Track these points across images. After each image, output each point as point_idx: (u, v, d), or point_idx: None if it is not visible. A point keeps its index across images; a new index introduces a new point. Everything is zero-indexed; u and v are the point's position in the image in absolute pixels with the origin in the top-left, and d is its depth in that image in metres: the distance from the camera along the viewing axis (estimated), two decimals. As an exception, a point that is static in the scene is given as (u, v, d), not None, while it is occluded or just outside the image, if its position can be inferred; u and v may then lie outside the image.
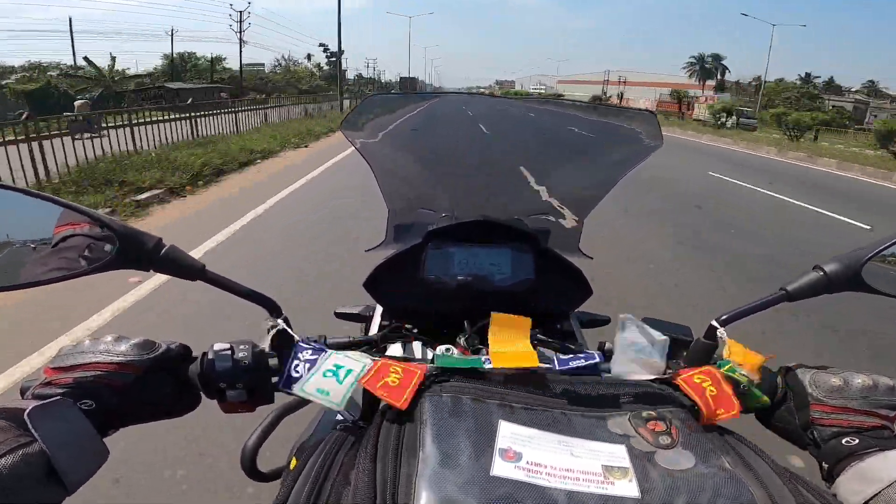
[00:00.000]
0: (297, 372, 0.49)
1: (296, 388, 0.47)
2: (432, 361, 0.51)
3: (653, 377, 0.49)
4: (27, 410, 0.37)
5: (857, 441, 0.43)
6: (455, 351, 0.60)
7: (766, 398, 0.48)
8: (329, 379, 0.47)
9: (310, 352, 0.50)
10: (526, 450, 0.38)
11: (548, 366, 0.51)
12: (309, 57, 50.02)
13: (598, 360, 0.52)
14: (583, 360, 0.52)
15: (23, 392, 0.45)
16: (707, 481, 0.36)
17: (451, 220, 0.81)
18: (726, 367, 0.48)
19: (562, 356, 0.53)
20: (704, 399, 0.44)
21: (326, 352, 0.50)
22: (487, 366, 0.49)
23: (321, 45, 47.73)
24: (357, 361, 0.48)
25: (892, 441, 0.43)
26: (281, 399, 0.54)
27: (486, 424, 0.40)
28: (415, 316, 0.79)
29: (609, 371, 0.53)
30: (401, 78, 58.42)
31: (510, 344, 0.54)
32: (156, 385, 0.47)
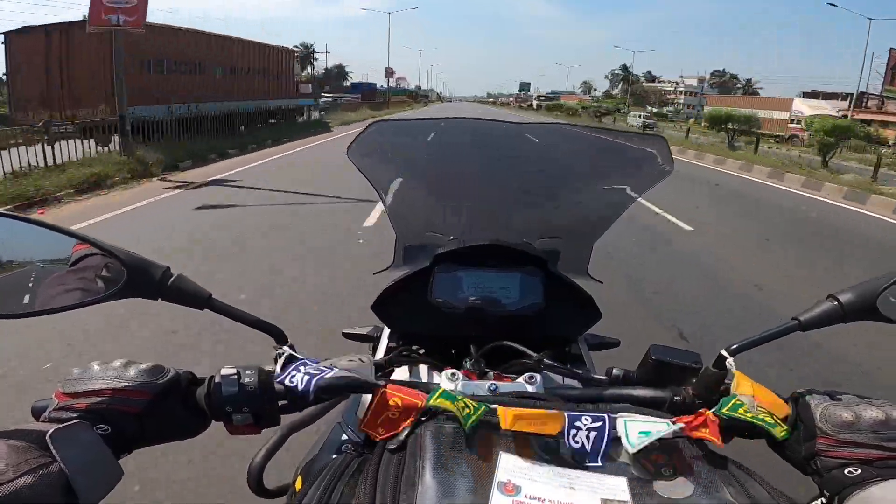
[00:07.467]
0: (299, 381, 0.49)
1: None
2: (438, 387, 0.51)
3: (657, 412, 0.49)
4: (49, 432, 0.38)
5: (859, 471, 0.43)
6: (461, 375, 0.60)
7: (782, 432, 0.47)
8: None
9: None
10: (525, 482, 0.38)
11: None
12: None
13: (607, 431, 0.44)
14: (597, 426, 0.45)
15: (35, 413, 0.46)
16: None
17: (460, 243, 0.82)
18: (729, 405, 0.47)
19: (575, 413, 0.46)
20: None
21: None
22: (493, 418, 0.45)
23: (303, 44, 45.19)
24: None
25: (895, 471, 0.42)
26: (287, 419, 0.55)
27: (486, 456, 0.40)
28: (422, 339, 0.79)
29: (615, 396, 0.52)
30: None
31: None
32: (166, 409, 0.48)
